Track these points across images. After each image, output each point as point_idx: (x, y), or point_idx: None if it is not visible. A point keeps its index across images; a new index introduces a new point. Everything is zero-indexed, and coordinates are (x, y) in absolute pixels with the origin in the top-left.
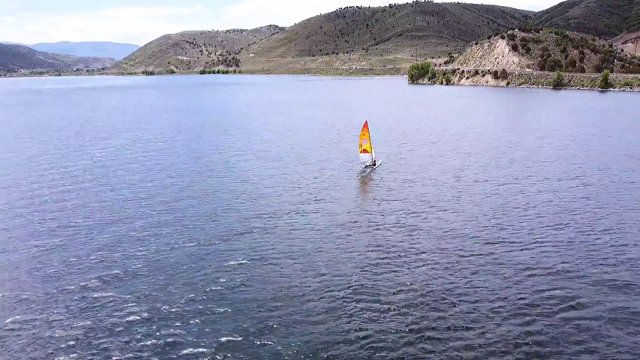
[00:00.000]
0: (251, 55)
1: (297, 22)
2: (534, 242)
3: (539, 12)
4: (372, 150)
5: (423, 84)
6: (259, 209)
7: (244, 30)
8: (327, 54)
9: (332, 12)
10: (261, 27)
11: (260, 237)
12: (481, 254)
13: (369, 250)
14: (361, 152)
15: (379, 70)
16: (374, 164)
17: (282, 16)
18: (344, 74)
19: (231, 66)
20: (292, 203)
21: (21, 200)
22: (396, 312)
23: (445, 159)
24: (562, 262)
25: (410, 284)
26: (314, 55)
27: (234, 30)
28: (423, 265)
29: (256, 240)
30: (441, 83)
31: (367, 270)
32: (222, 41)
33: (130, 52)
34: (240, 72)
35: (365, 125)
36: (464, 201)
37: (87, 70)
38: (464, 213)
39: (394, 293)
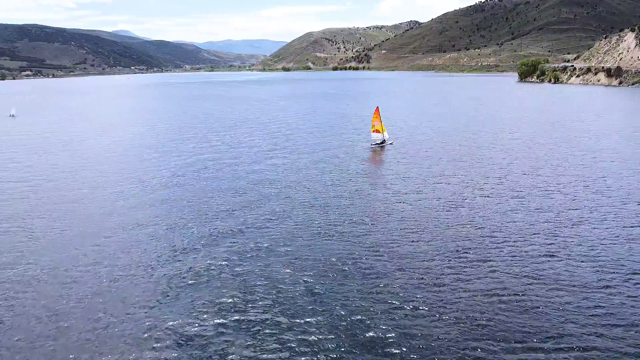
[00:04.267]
0: (382, 51)
1: (433, 18)
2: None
3: None
4: (384, 131)
5: (531, 82)
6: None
7: (384, 26)
8: (459, 50)
9: (470, 6)
10: (401, 23)
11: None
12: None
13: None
14: (373, 132)
15: (505, 67)
16: (384, 142)
17: (426, 11)
18: (466, 71)
19: (362, 63)
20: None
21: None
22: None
23: (454, 149)
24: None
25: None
26: (445, 52)
27: (374, 27)
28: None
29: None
30: (549, 81)
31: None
32: (360, 38)
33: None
34: (368, 68)
35: (377, 110)
36: (457, 181)
37: (239, 67)
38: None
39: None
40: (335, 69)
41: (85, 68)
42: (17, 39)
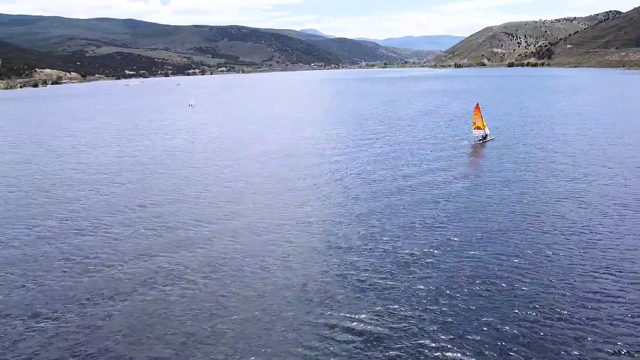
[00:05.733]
0: (568, 46)
1: (636, 7)
2: None
3: None
4: (485, 127)
5: None
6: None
7: (575, 18)
8: None
9: None
10: (597, 14)
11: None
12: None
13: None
14: (474, 128)
15: None
16: (485, 138)
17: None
18: None
19: (542, 58)
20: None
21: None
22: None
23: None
24: None
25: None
26: None
27: (563, 19)
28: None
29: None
30: None
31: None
32: (546, 32)
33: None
34: (548, 65)
35: (477, 107)
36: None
37: (413, 63)
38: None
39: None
40: (510, 65)
41: (270, 65)
42: (218, 39)
